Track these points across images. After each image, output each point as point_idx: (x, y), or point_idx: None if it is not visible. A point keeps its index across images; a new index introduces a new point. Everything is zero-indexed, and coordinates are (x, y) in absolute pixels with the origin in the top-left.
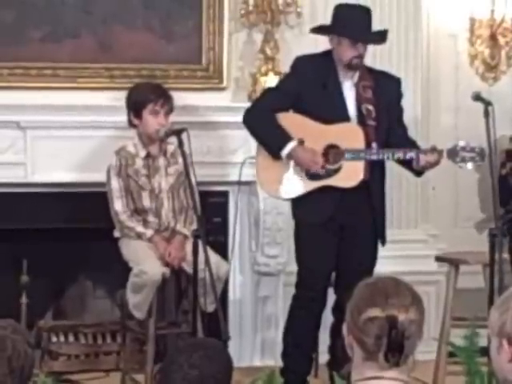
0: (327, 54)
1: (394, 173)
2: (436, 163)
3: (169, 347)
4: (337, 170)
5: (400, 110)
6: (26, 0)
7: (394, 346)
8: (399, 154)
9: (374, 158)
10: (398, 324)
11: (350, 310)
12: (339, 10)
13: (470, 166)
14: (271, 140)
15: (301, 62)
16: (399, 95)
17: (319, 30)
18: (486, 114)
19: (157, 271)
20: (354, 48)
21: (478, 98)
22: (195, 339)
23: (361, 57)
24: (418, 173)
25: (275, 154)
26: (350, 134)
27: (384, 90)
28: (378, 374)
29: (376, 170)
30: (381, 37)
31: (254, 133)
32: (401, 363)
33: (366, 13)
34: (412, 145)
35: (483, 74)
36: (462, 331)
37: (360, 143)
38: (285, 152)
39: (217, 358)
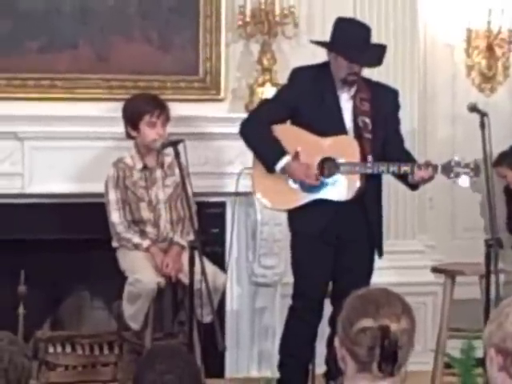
0: (325, 66)
1: (391, 183)
2: (430, 179)
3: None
4: (332, 183)
5: (397, 122)
6: (24, 11)
7: (388, 356)
8: (394, 169)
9: (369, 171)
10: (390, 333)
11: (341, 322)
12: (339, 25)
13: (463, 181)
14: (266, 154)
15: (298, 74)
16: (396, 106)
17: (318, 42)
18: (482, 125)
19: (152, 280)
20: (350, 66)
21: (473, 108)
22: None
23: (356, 74)
24: (413, 186)
25: (269, 168)
26: (345, 147)
27: (381, 102)
28: None
29: (372, 182)
30: (377, 59)
31: (250, 145)
32: (395, 373)
33: (365, 31)
34: (408, 156)
35: (480, 85)
36: (459, 342)
37: (355, 156)
38: (279, 166)
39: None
